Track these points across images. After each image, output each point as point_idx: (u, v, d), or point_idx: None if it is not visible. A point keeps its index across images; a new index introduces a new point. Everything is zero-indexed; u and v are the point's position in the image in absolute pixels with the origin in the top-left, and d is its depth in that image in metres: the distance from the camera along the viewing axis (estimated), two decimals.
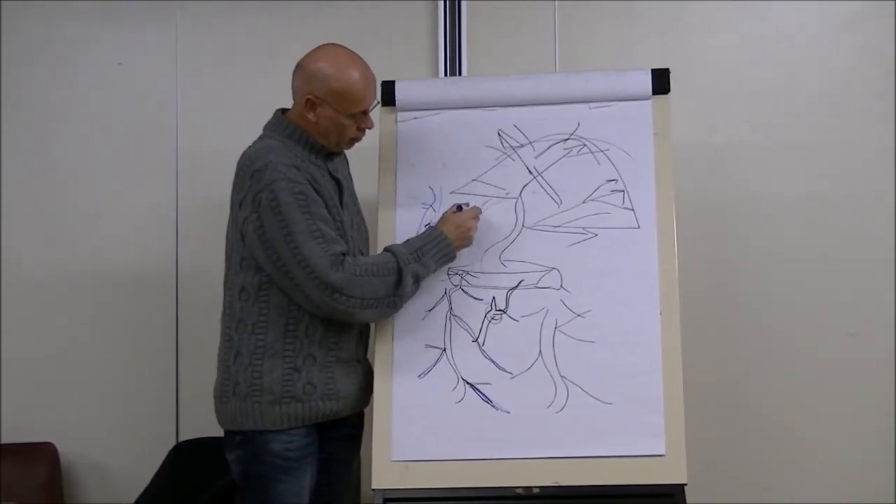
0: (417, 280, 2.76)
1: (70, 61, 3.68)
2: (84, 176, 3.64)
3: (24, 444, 3.49)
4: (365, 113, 2.77)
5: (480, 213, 2.88)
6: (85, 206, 3.63)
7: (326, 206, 2.70)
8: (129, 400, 3.59)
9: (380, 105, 2.95)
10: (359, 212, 2.93)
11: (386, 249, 2.77)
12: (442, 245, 2.79)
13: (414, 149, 3.03)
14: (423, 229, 2.93)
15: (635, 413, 2.77)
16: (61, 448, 3.51)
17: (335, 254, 2.63)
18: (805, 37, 3.51)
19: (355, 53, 2.76)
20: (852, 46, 3.49)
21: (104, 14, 3.67)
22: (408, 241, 2.81)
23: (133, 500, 3.25)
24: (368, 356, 2.90)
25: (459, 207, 2.87)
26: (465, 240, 2.84)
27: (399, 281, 2.71)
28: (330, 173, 2.80)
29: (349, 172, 2.96)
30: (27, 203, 3.65)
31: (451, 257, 2.82)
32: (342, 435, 2.85)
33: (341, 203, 2.80)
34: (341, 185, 2.82)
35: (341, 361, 2.76)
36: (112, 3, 3.67)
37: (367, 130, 2.82)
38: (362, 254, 2.85)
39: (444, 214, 2.86)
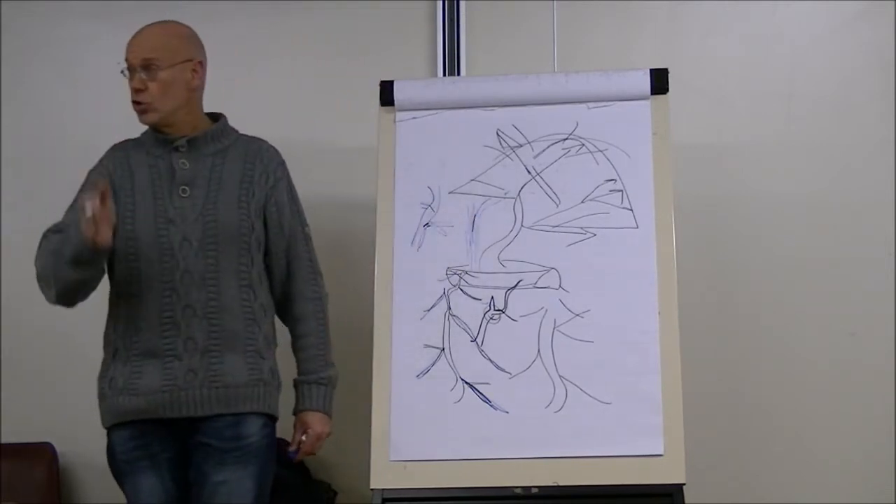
0: (62, 258, 2.51)
1: (70, 61, 3.69)
2: (83, 176, 3.63)
3: (23, 444, 3.48)
4: (130, 69, 2.66)
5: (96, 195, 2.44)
6: None
7: (114, 191, 2.57)
8: None
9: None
10: (224, 201, 2.61)
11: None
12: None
13: (413, 148, 3.03)
14: (421, 229, 2.94)
15: (634, 413, 2.77)
16: (60, 448, 3.50)
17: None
18: (805, 37, 3.50)
19: (163, 21, 2.73)
20: (852, 46, 3.48)
21: (104, 14, 3.67)
22: None
23: None
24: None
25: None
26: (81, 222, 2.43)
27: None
28: (172, 163, 2.62)
29: (242, 167, 2.67)
30: (27, 203, 3.64)
31: (79, 239, 2.45)
32: (198, 444, 2.57)
33: (171, 191, 2.60)
34: (175, 175, 2.61)
35: (148, 354, 2.54)
36: (112, 3, 3.66)
37: (141, 95, 2.65)
38: (263, 257, 2.68)
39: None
